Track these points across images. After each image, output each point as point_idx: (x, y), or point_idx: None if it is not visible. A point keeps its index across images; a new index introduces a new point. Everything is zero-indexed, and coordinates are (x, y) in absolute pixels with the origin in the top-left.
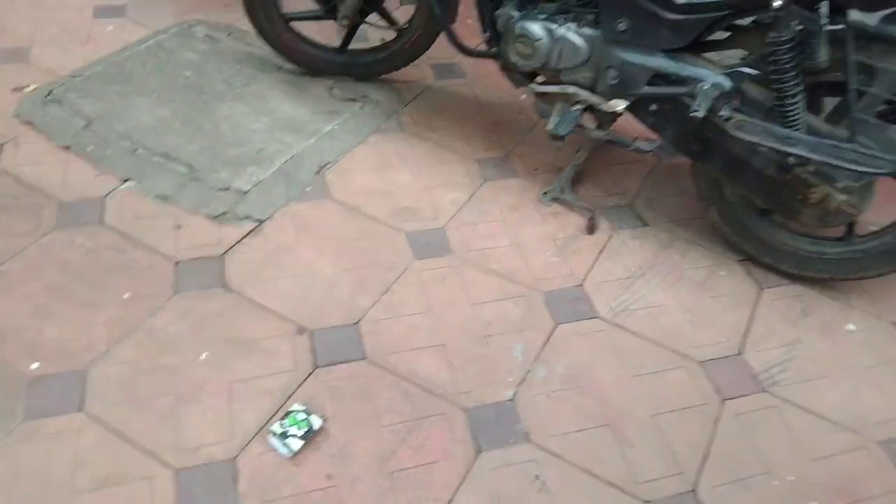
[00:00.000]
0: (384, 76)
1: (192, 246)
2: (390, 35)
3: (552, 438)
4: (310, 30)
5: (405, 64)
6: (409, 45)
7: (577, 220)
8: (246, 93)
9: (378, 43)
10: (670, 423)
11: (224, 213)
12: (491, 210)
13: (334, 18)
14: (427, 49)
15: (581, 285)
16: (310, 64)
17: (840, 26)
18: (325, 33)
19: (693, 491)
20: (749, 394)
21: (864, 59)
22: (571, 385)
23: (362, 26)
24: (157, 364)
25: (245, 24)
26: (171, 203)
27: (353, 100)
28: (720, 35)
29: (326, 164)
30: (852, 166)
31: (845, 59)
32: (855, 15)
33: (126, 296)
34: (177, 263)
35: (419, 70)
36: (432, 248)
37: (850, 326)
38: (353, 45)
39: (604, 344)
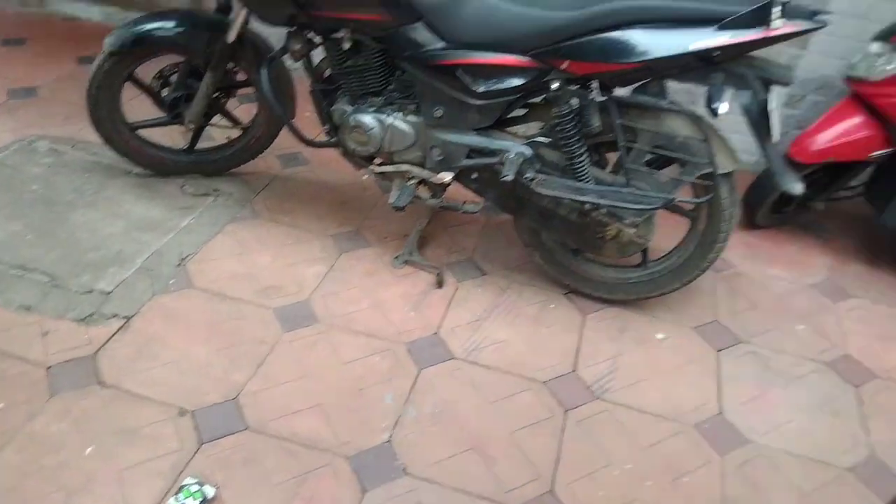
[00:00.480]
0: (233, 170)
1: (62, 349)
2: (236, 133)
3: (428, 468)
4: (156, 134)
5: (252, 157)
6: (255, 140)
7: (427, 278)
8: (98, 199)
9: (224, 141)
10: (525, 437)
11: (91, 315)
12: (350, 278)
13: (180, 123)
14: (272, 142)
15: (437, 333)
16: (159, 166)
17: (605, 98)
18: (172, 135)
19: (551, 491)
20: (586, 403)
21: (627, 123)
22: (439, 419)
23: (208, 126)
24: (42, 465)
25: (89, 135)
26: (34, 312)
27: (206, 194)
28: (521, 111)
29: (187, 256)
30: (631, 205)
31: (613, 124)
32: (617, 90)
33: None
34: (48, 368)
35: (266, 161)
36: (300, 319)
37: (660, 335)
38: (201, 145)
39: (462, 380)
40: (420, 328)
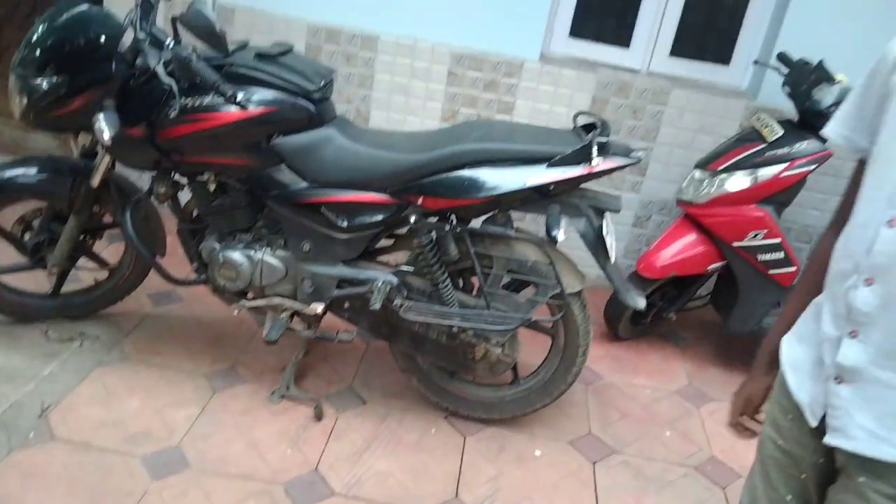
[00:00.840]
0: (102, 312)
1: None
2: (103, 274)
3: None
4: (18, 279)
5: (121, 298)
6: (123, 281)
7: (305, 411)
8: None
9: (91, 283)
10: None
11: None
12: (224, 418)
13: (43, 267)
14: (141, 282)
15: (316, 469)
16: (21, 312)
17: (460, 229)
18: (37, 279)
19: None
20: None
21: (482, 250)
22: None
23: (74, 269)
24: None
25: None
26: None
27: (72, 339)
28: (389, 242)
29: (49, 407)
30: (492, 326)
31: (469, 252)
32: (474, 222)
33: None
34: None
35: (137, 301)
36: (170, 466)
37: (538, 452)
38: (67, 288)
39: None
40: (298, 466)
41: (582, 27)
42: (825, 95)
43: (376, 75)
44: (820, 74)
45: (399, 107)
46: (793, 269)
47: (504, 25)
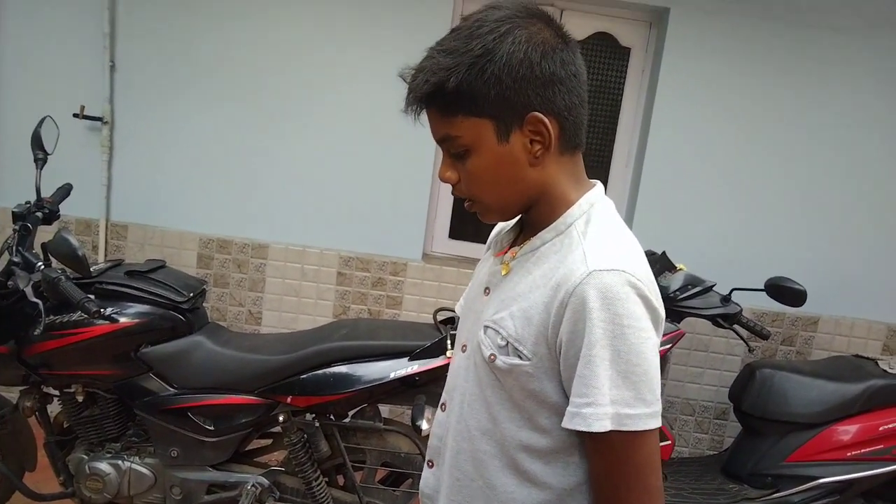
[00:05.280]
0: None
1: None
2: None
3: None
4: None
5: None
6: None
7: None
8: None
9: None
10: None
11: None
12: None
13: None
14: (8, 499)
15: None
16: None
17: (329, 425)
18: None
19: None
20: None
21: (354, 445)
22: None
23: None
24: None
25: None
26: None
27: None
28: (267, 441)
29: None
30: None
31: (340, 448)
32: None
33: None
34: None
35: None
36: None
37: None
38: None
39: None
40: None
41: (460, 230)
42: (672, 281)
43: (267, 279)
44: (664, 263)
45: (291, 307)
46: (668, 442)
47: (388, 231)
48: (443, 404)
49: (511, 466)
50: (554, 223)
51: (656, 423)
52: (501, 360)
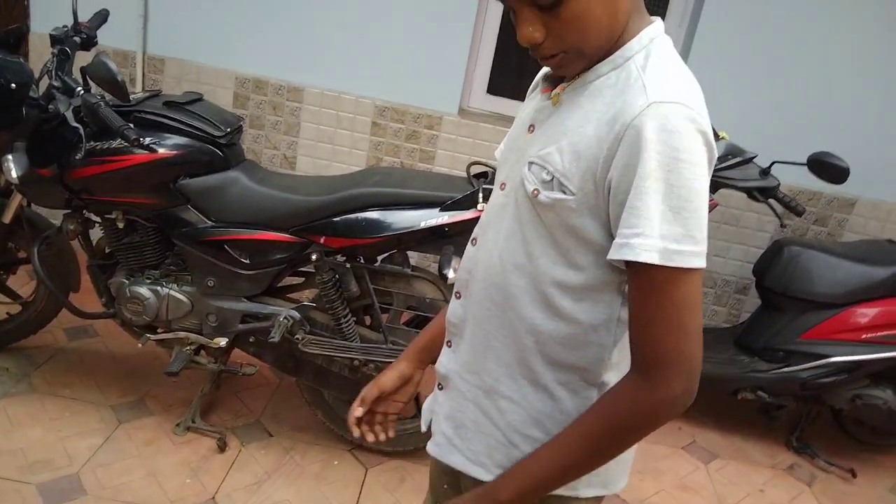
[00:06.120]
0: (14, 344)
1: None
2: (16, 308)
3: None
4: None
5: (34, 332)
6: (36, 314)
7: (210, 443)
8: None
9: (3, 317)
10: None
11: None
12: (127, 448)
13: None
14: (54, 317)
15: (213, 498)
16: None
17: (360, 267)
18: None
19: None
20: None
21: (382, 287)
22: None
23: None
24: None
25: None
26: None
27: None
28: (299, 279)
29: None
30: (389, 359)
31: (368, 289)
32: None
33: None
34: None
35: (52, 334)
36: (65, 493)
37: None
38: None
39: None
40: (195, 494)
41: (499, 85)
42: None
43: (303, 123)
44: None
45: (325, 153)
46: None
47: (424, 82)
48: (474, 239)
49: (541, 301)
50: (612, 56)
51: (702, 262)
52: (545, 195)
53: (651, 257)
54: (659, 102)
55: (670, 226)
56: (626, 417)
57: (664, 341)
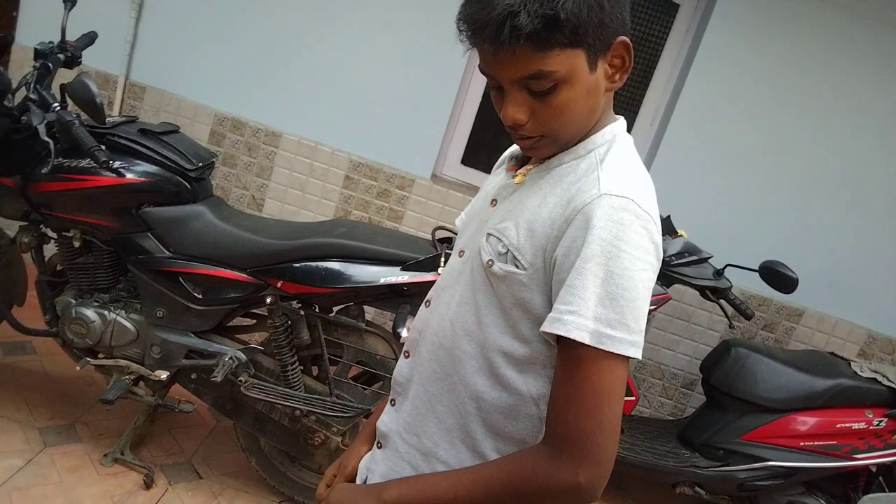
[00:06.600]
0: None
1: None
2: None
3: None
4: None
5: None
6: None
7: (136, 478)
8: None
9: None
10: None
11: None
12: (49, 473)
13: None
14: None
15: None
16: None
17: (314, 316)
18: None
19: None
20: None
21: (334, 339)
22: None
23: None
24: None
25: None
26: None
27: None
28: (250, 321)
29: None
30: (331, 413)
31: (320, 339)
32: (330, 311)
33: None
34: None
35: None
36: None
37: None
38: None
39: None
40: None
41: (472, 157)
42: (670, 246)
43: (276, 168)
44: (666, 227)
45: (294, 200)
46: (632, 398)
47: (402, 145)
48: (428, 301)
49: (487, 368)
50: (575, 147)
51: (634, 352)
52: (499, 267)
53: (582, 336)
54: (610, 195)
55: (605, 310)
56: (523, 481)
57: (578, 424)
